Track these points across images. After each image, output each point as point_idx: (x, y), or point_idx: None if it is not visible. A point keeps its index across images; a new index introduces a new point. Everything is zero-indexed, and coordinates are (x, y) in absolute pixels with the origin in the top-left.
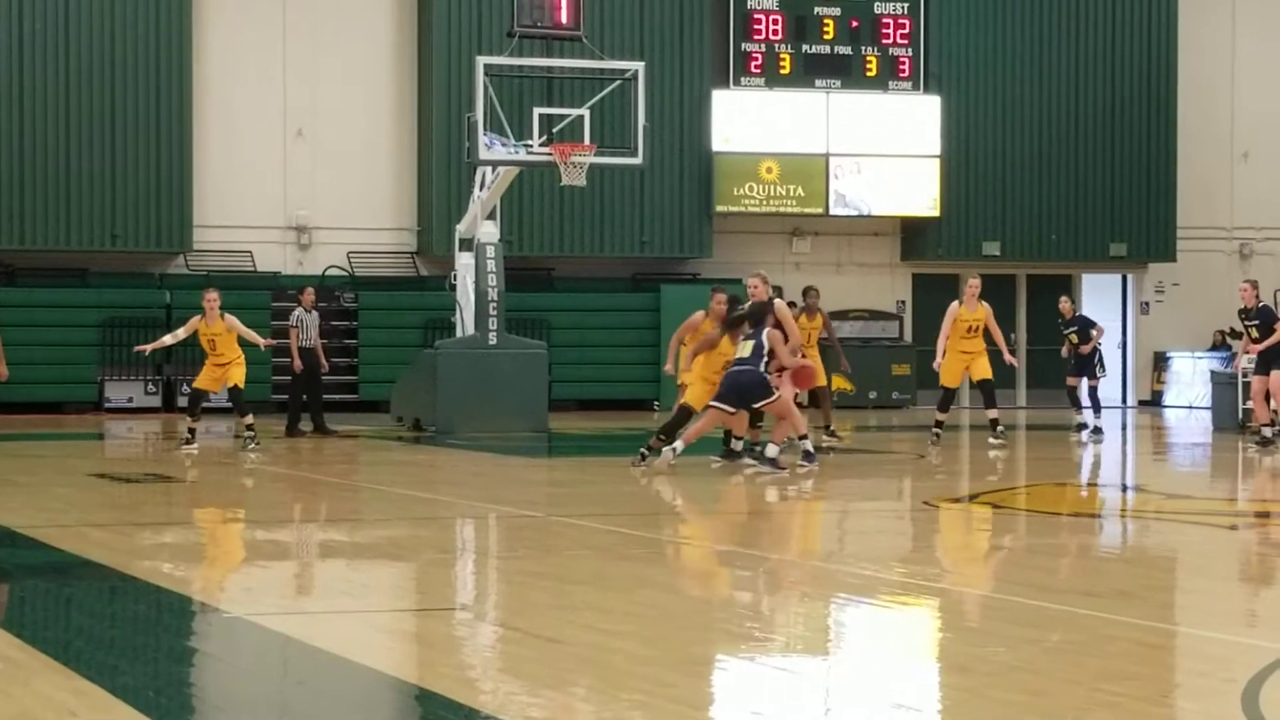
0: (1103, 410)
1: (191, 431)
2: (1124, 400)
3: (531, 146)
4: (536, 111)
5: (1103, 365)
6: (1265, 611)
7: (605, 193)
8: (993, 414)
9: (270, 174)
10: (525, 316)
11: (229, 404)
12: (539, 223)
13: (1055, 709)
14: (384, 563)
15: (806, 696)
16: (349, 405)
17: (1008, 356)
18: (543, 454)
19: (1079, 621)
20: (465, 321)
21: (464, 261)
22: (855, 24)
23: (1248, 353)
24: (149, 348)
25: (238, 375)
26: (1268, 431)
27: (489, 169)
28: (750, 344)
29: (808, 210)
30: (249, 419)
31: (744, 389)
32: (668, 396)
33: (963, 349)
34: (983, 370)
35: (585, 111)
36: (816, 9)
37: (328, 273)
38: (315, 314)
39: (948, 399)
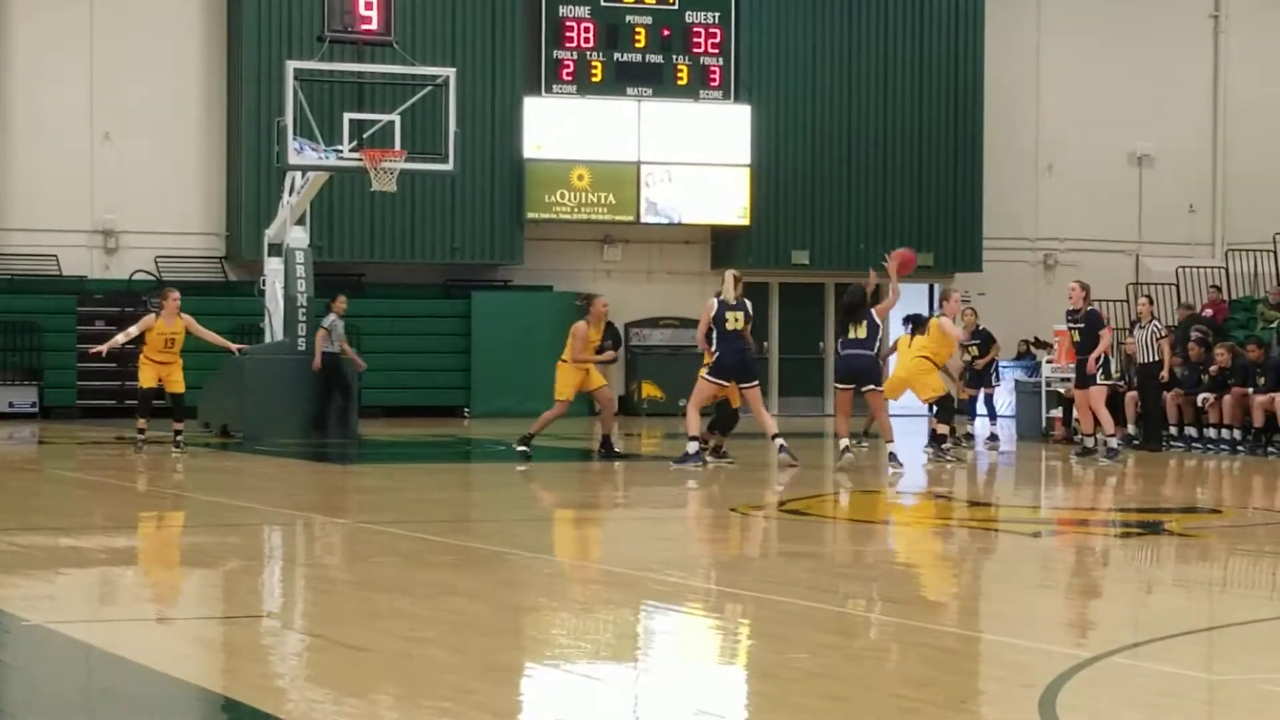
0: (998, 418)
1: (142, 431)
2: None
3: (342, 152)
4: (347, 117)
5: (998, 375)
6: (1065, 618)
7: (416, 199)
8: (943, 429)
9: (77, 177)
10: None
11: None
12: (349, 228)
13: (856, 714)
14: (190, 570)
15: (612, 704)
16: (156, 410)
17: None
18: (351, 460)
19: (880, 628)
20: (274, 327)
21: (273, 267)
22: (667, 33)
23: (1068, 358)
24: (104, 348)
25: (180, 380)
26: (1089, 442)
27: (299, 174)
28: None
29: (619, 218)
30: (181, 425)
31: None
32: (478, 404)
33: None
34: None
35: (396, 117)
36: (628, 17)
37: (135, 277)
38: (342, 322)
39: (947, 408)
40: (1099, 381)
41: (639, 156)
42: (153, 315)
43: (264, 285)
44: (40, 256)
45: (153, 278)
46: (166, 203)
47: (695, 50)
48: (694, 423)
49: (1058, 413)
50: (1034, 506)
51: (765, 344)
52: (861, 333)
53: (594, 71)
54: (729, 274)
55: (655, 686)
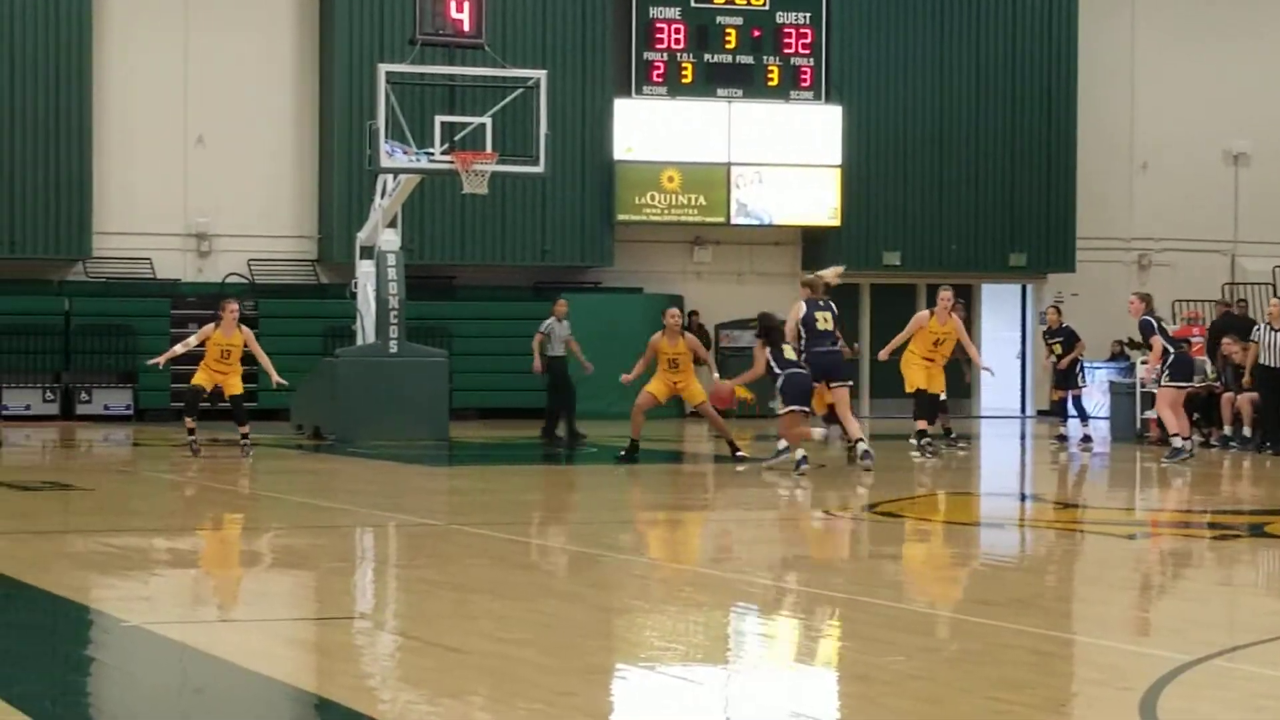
0: (1089, 419)
1: (192, 432)
2: (1023, 410)
3: (433, 154)
4: (438, 119)
5: (1084, 375)
6: (1161, 621)
7: (507, 201)
8: (921, 425)
9: (170, 180)
10: (426, 325)
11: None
12: (440, 231)
13: (952, 717)
14: (283, 571)
15: (705, 705)
16: (249, 413)
17: (979, 362)
18: (443, 462)
19: (976, 630)
20: (366, 329)
21: (365, 269)
22: (757, 33)
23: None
24: (161, 360)
25: (238, 384)
26: (1176, 441)
27: (390, 177)
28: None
29: (709, 219)
30: (246, 428)
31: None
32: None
33: (925, 355)
34: (940, 384)
35: (487, 120)
36: (719, 18)
37: (228, 280)
38: (566, 324)
39: (926, 404)
40: (1163, 383)
41: (729, 158)
42: (211, 325)
43: (355, 288)
44: (135, 260)
45: (245, 281)
46: (259, 206)
47: (786, 51)
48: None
49: (1152, 414)
50: (1129, 508)
51: (856, 345)
52: (791, 353)
53: (684, 73)
54: (831, 271)
55: (749, 688)
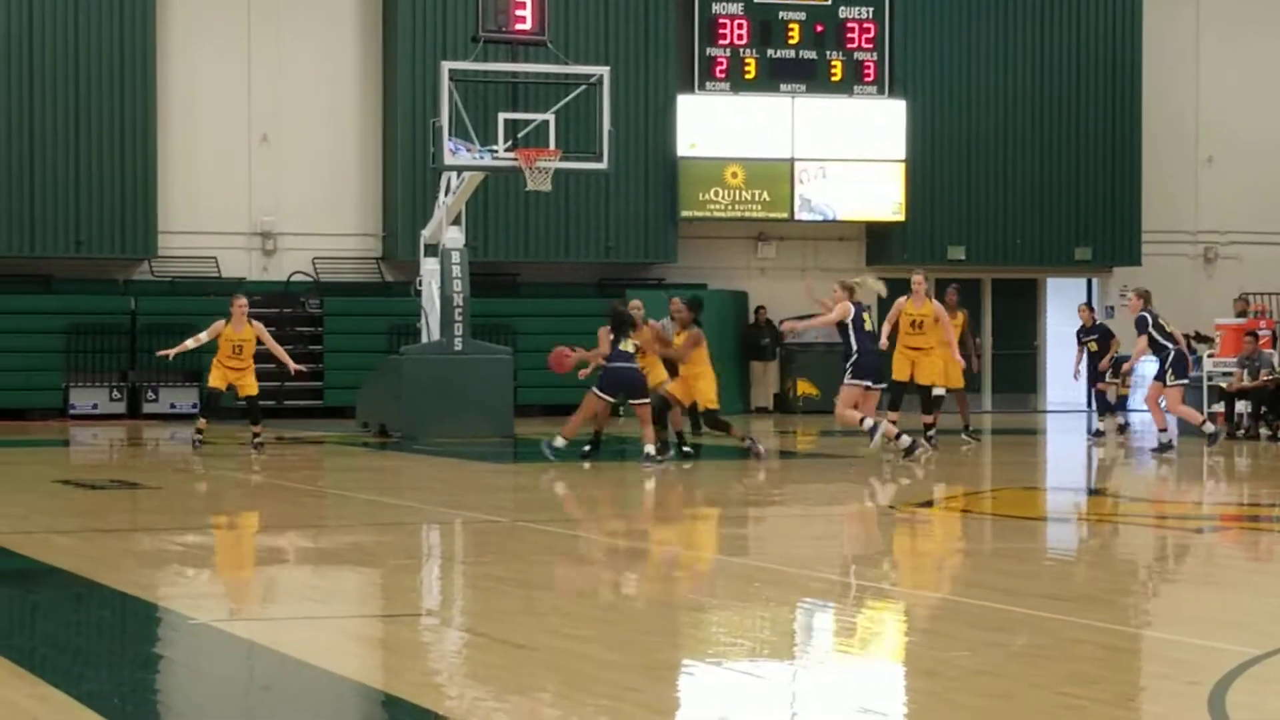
0: (1115, 410)
1: (199, 431)
2: (1088, 404)
3: (496, 152)
4: (501, 117)
5: (1114, 370)
6: (1230, 615)
7: (571, 198)
8: (927, 419)
9: (235, 180)
10: (490, 322)
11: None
12: (504, 228)
13: (1020, 713)
14: (349, 568)
15: (772, 701)
16: (314, 411)
17: (957, 356)
18: (508, 459)
19: (1044, 625)
20: (430, 327)
21: (429, 267)
22: (820, 28)
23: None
24: (172, 352)
25: (253, 384)
26: (1209, 427)
27: (454, 174)
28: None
29: (773, 215)
30: (259, 428)
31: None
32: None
33: (908, 344)
34: (926, 374)
35: (550, 117)
36: (781, 14)
37: (293, 278)
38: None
39: (897, 397)
40: (1169, 383)
41: (793, 153)
42: (222, 321)
43: (420, 285)
44: (200, 259)
45: (310, 279)
46: (323, 204)
47: (849, 46)
48: (853, 418)
49: (1219, 407)
50: (1196, 502)
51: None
52: (629, 347)
53: (747, 68)
54: (871, 281)
55: (816, 684)
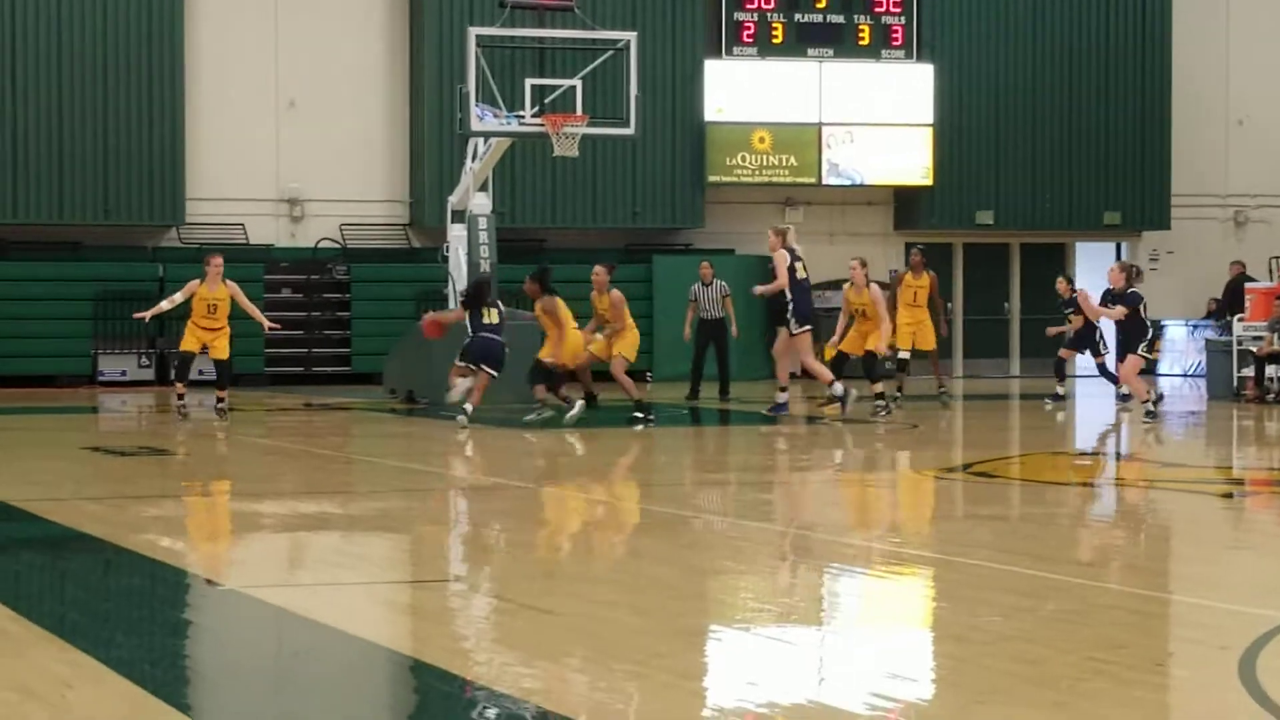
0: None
1: (181, 397)
2: (1103, 376)
3: (523, 117)
4: (528, 82)
5: (1104, 342)
6: (1260, 580)
7: (597, 163)
8: (876, 387)
9: (262, 146)
10: (517, 287)
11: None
12: (531, 194)
13: (1049, 677)
14: (378, 535)
15: (800, 666)
16: (341, 377)
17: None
18: (537, 425)
19: (1073, 590)
20: (457, 293)
21: (456, 233)
22: None
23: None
24: (148, 315)
25: (225, 347)
26: (1149, 406)
27: (481, 140)
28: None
29: (800, 180)
30: (225, 393)
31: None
32: (660, 367)
33: (857, 328)
34: (871, 342)
35: (577, 82)
36: None
37: (320, 245)
38: (713, 287)
39: (840, 366)
40: (1139, 354)
41: (820, 118)
42: (196, 281)
43: (447, 251)
44: (227, 225)
45: (337, 245)
46: (350, 171)
47: (877, 10)
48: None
49: (1249, 371)
50: (1225, 467)
51: (950, 305)
52: (494, 318)
53: (775, 33)
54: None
55: (844, 649)
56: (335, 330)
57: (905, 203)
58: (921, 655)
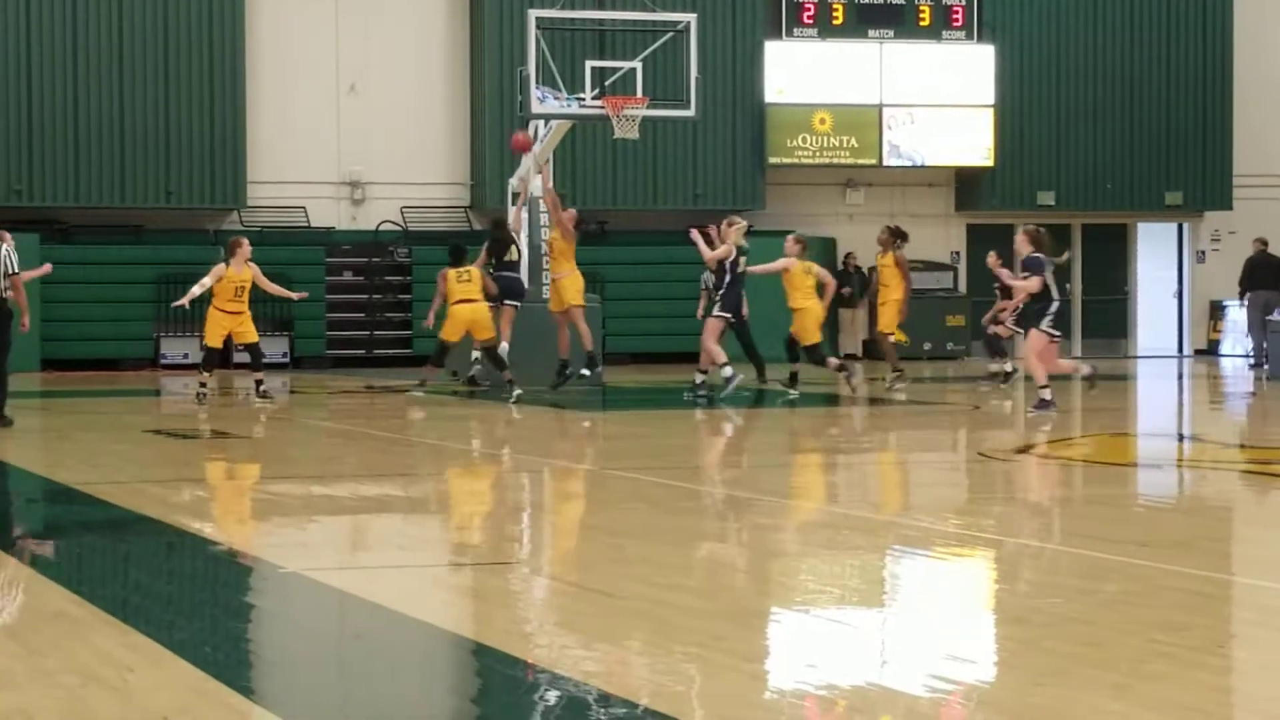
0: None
1: (203, 384)
2: (1180, 349)
3: (584, 100)
4: (588, 64)
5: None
6: None
7: (658, 145)
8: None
9: (323, 129)
10: (579, 269)
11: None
12: (592, 176)
13: (1110, 659)
14: (439, 517)
15: (861, 649)
16: (403, 360)
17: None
18: (596, 407)
19: (1134, 572)
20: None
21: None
22: None
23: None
24: (185, 301)
25: (252, 330)
26: (1046, 394)
27: (541, 123)
28: None
29: (861, 161)
30: (262, 374)
31: None
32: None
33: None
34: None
35: (637, 64)
36: None
37: (381, 228)
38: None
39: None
40: (1053, 335)
41: (881, 99)
42: (223, 265)
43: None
44: (289, 208)
45: (398, 228)
46: (411, 153)
47: None
48: (719, 354)
49: None
50: None
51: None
52: (514, 255)
53: (835, 14)
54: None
55: (905, 631)
56: (396, 313)
57: (966, 184)
58: (982, 637)
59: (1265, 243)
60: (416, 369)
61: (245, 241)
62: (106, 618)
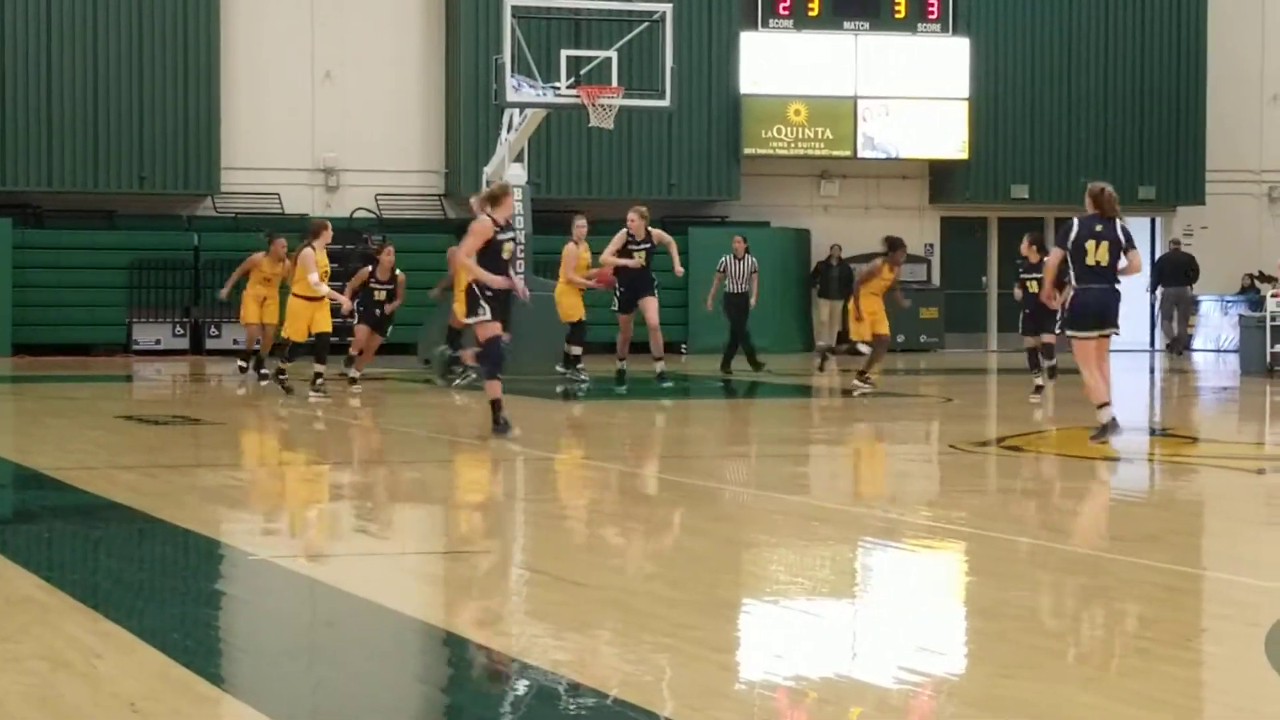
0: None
1: (244, 369)
2: (1152, 344)
3: (559, 89)
4: (564, 53)
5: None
6: None
7: (633, 135)
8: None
9: (298, 116)
10: (553, 259)
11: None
12: (567, 165)
13: (1080, 652)
14: (410, 505)
15: (831, 640)
16: (376, 348)
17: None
18: (570, 397)
19: (1104, 565)
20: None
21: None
22: None
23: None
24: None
25: (274, 312)
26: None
27: (516, 111)
28: None
29: (836, 153)
30: (287, 365)
31: None
32: (696, 339)
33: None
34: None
35: (613, 53)
36: None
37: (355, 215)
38: (744, 262)
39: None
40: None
41: (856, 91)
42: (260, 254)
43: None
44: (263, 195)
45: (373, 215)
46: (386, 141)
47: None
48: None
49: None
50: (1258, 443)
51: (985, 279)
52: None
53: (811, 6)
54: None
55: (874, 622)
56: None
57: (940, 176)
58: (951, 629)
59: (1178, 242)
60: (390, 357)
61: (282, 240)
62: (76, 604)
